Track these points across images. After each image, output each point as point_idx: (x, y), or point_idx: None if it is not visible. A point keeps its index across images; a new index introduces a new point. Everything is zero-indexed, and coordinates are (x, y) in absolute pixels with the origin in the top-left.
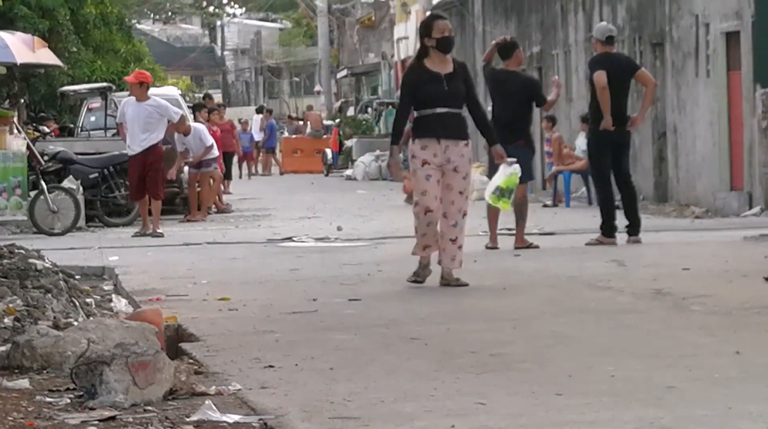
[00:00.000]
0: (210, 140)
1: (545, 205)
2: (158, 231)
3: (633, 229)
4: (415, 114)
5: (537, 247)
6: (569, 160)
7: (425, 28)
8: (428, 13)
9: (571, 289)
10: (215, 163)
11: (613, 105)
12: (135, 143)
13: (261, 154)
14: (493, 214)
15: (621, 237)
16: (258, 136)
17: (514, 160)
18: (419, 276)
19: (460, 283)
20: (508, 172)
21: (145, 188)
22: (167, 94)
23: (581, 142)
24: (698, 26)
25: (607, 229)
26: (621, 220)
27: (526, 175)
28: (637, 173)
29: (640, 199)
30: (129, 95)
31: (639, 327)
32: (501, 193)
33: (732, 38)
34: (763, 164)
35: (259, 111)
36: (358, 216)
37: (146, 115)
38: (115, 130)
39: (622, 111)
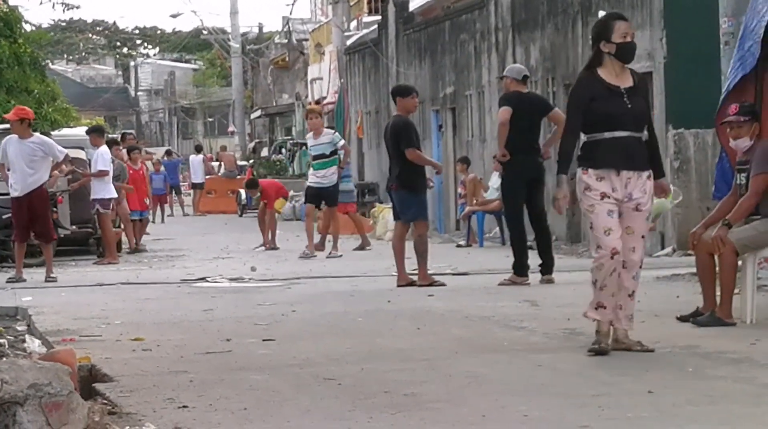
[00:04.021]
0: (104, 167)
1: (459, 246)
2: (51, 275)
3: (546, 268)
4: (584, 137)
5: (443, 284)
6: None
7: (602, 30)
8: (601, 14)
9: (484, 328)
10: (110, 203)
11: (524, 142)
12: (18, 183)
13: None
14: (399, 251)
15: (534, 277)
16: (197, 178)
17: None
18: (602, 344)
19: (646, 349)
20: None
21: (34, 232)
22: (79, 135)
23: (494, 182)
24: None
25: (519, 268)
26: (533, 260)
27: (409, 216)
28: (550, 213)
29: (554, 239)
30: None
31: (552, 367)
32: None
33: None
34: (675, 205)
35: (199, 149)
36: (272, 256)
37: (29, 152)
38: None
39: (533, 148)
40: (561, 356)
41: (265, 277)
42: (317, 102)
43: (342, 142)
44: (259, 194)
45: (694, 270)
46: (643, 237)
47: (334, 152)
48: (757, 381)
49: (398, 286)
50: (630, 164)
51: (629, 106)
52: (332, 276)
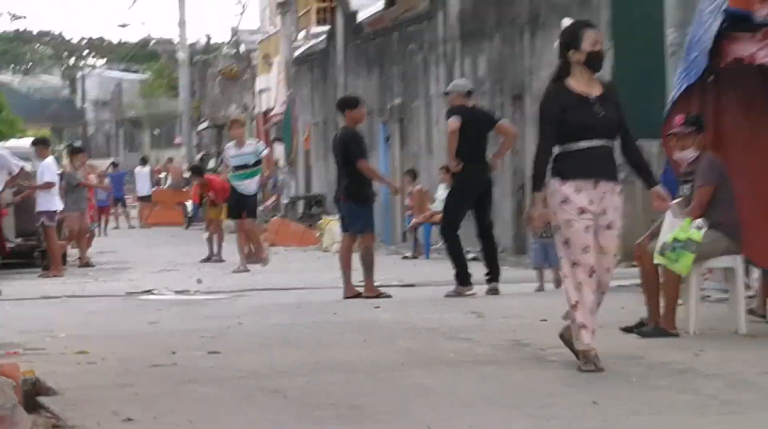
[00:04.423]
0: (50, 178)
1: (405, 257)
2: None
3: (492, 278)
4: (557, 149)
5: (389, 296)
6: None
7: (571, 38)
8: (565, 21)
9: (431, 340)
10: (55, 215)
11: (472, 155)
12: None
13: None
14: (346, 263)
15: (480, 288)
16: (144, 190)
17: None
18: (595, 364)
19: (599, 369)
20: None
21: None
22: (24, 147)
23: (441, 194)
24: None
25: (463, 277)
26: (478, 271)
27: (357, 228)
28: (496, 225)
29: (500, 251)
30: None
31: (498, 378)
32: (676, 247)
33: None
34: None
35: (144, 162)
36: (218, 269)
37: None
38: None
39: (481, 159)
40: (507, 367)
41: (211, 290)
42: (266, 113)
43: (265, 151)
44: (204, 205)
45: (639, 281)
46: (615, 256)
47: (258, 163)
48: (700, 391)
49: (345, 297)
50: (605, 174)
51: (601, 115)
52: (279, 288)
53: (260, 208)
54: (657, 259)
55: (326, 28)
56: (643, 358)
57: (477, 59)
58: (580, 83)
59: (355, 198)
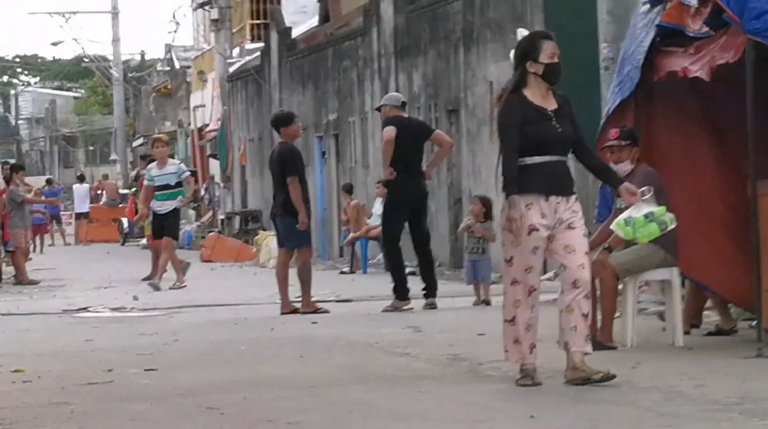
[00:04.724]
0: None
1: (342, 272)
2: None
3: (430, 291)
4: None
5: (326, 311)
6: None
7: (529, 49)
8: (521, 31)
9: (368, 355)
10: None
11: (407, 166)
12: None
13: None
14: (283, 278)
15: (417, 303)
16: (83, 207)
17: (649, 189)
18: (531, 378)
19: (608, 377)
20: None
21: None
22: None
23: (378, 208)
24: (492, 93)
25: (400, 292)
26: (416, 285)
27: (293, 242)
28: (433, 239)
29: (437, 265)
30: None
31: (435, 392)
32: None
33: None
34: None
35: (82, 179)
36: (154, 285)
37: None
38: None
39: (416, 169)
40: (444, 382)
41: (148, 307)
42: (200, 129)
43: (186, 173)
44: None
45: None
46: (587, 253)
47: (179, 184)
48: (638, 404)
49: (282, 313)
50: (559, 189)
51: (559, 129)
52: (215, 304)
53: (196, 223)
54: (619, 229)
55: (260, 44)
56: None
57: (412, 74)
58: (536, 95)
59: (292, 213)
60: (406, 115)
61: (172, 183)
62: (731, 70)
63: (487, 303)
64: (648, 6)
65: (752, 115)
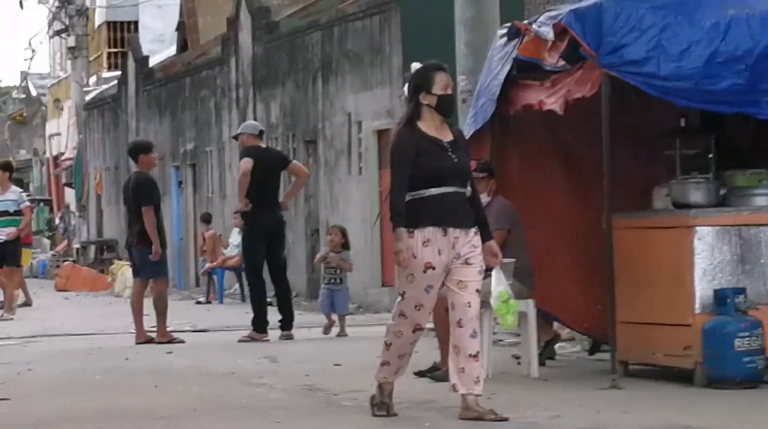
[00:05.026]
0: None
1: (198, 302)
2: None
3: (286, 324)
4: (407, 196)
5: (182, 341)
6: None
7: (422, 81)
8: (414, 65)
9: (223, 385)
10: None
11: (264, 196)
12: None
13: None
14: (138, 308)
15: (274, 333)
16: None
17: (511, 261)
18: (387, 408)
19: (499, 418)
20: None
21: None
22: None
23: (234, 238)
24: (351, 124)
25: (259, 324)
26: (274, 316)
27: (149, 272)
28: (290, 269)
29: (294, 296)
30: None
31: (290, 423)
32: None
33: (383, 136)
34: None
35: None
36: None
37: None
38: None
39: (273, 202)
40: (299, 412)
41: (0, 336)
42: (56, 158)
43: (26, 204)
44: None
45: (432, 325)
46: (478, 291)
47: (18, 212)
48: None
49: (137, 343)
50: (457, 222)
51: (455, 160)
52: (70, 333)
53: (51, 252)
54: (496, 309)
55: (117, 73)
56: (436, 402)
57: (270, 104)
58: (430, 127)
59: (147, 243)
60: (263, 144)
61: (11, 210)
62: (587, 102)
63: (344, 334)
64: (505, 39)
65: (608, 149)
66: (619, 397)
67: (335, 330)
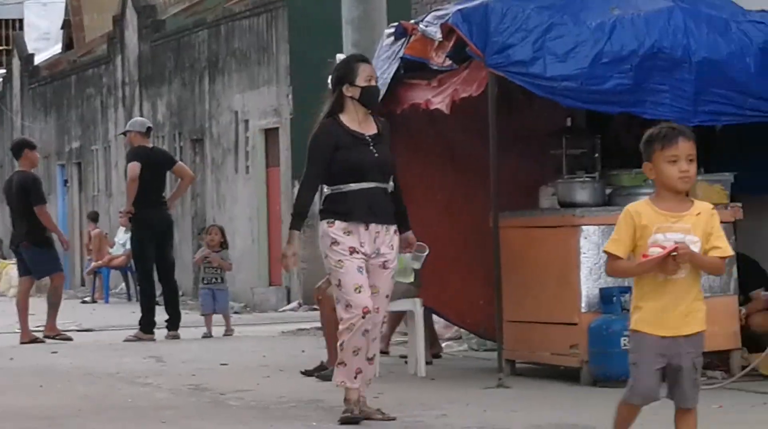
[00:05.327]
0: None
1: (84, 301)
2: None
3: (172, 324)
4: (327, 190)
5: (70, 339)
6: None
7: (345, 72)
8: (339, 56)
9: (109, 385)
10: None
11: (151, 197)
12: None
13: None
14: (24, 307)
15: (160, 333)
16: None
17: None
18: (354, 411)
19: (387, 417)
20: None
21: None
22: None
23: (121, 237)
24: (238, 123)
25: (146, 325)
26: (160, 316)
27: (45, 271)
28: (177, 269)
29: (180, 295)
30: None
31: (176, 423)
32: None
33: (271, 135)
34: (302, 260)
35: None
36: None
37: None
38: None
39: (160, 202)
40: (185, 412)
41: None
42: None
43: None
44: None
45: (319, 324)
46: (387, 296)
47: None
48: None
49: (21, 342)
50: (378, 217)
51: (376, 155)
52: None
53: None
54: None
55: (2, 71)
56: (323, 401)
57: (156, 103)
58: (353, 120)
59: (38, 242)
60: (150, 143)
61: None
62: (474, 102)
63: (230, 333)
64: (392, 39)
65: (494, 149)
66: (506, 396)
67: (221, 330)
